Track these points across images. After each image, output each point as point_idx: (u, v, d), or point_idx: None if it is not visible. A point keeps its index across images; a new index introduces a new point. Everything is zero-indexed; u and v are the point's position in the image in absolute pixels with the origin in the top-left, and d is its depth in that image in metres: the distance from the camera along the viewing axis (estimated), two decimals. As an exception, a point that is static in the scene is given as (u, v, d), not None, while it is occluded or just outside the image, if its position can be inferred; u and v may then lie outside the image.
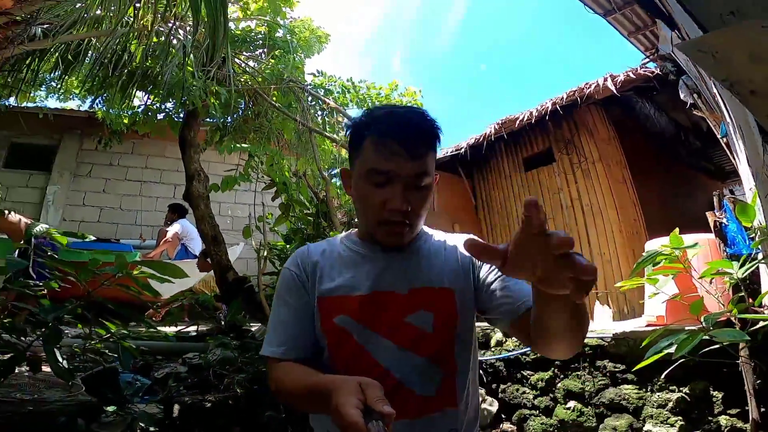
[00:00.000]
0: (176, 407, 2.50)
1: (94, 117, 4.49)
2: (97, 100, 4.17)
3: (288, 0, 3.91)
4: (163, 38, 2.86)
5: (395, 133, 0.80)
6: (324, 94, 3.71)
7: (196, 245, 5.16)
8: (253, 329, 3.26)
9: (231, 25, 3.99)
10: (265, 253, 3.03)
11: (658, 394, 2.26)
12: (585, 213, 4.74)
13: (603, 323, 3.93)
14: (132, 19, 2.67)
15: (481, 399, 3.05)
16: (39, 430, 1.80)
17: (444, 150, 5.66)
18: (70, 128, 6.22)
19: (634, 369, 2.02)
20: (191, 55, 2.90)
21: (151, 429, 2.24)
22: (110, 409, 2.18)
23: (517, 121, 4.81)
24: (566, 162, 4.90)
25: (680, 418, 2.14)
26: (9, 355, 1.78)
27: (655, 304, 2.46)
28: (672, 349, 1.54)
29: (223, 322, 3.44)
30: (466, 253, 0.80)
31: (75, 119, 5.98)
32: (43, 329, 1.75)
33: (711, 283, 1.96)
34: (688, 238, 2.00)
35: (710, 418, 2.05)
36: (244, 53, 4.08)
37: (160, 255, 4.96)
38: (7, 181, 5.70)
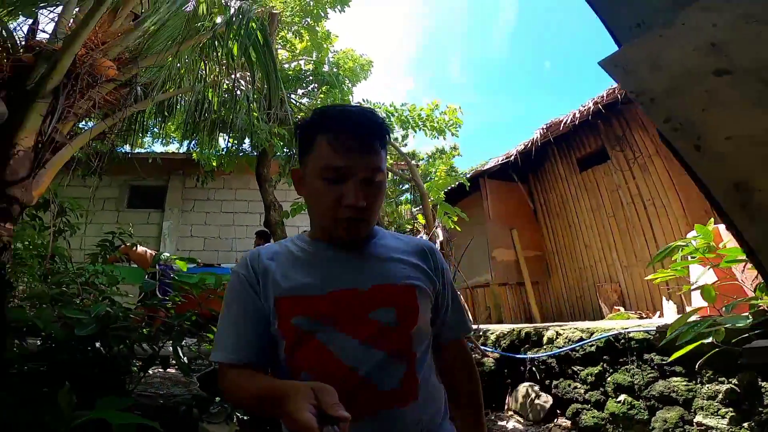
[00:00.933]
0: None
1: (192, 158, 5.33)
2: (191, 144, 4.94)
3: (328, 38, 4.40)
4: (230, 88, 3.43)
5: (349, 130, 0.80)
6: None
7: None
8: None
9: (284, 65, 4.58)
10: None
11: (708, 385, 2.22)
12: (647, 209, 4.52)
13: (668, 318, 3.75)
14: (205, 72, 3.26)
15: (535, 395, 3.12)
16: (167, 418, 2.30)
17: (495, 159, 5.72)
18: (174, 169, 7.34)
19: (671, 358, 2.05)
20: (254, 103, 3.43)
21: (245, 417, 2.73)
22: (217, 400, 2.70)
23: (562, 124, 4.77)
24: (621, 159, 4.73)
25: (731, 409, 2.10)
26: (147, 357, 2.36)
27: (697, 296, 2.41)
28: (688, 338, 1.61)
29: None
30: (430, 258, 0.91)
31: (177, 161, 7.01)
32: (172, 333, 2.29)
33: (743, 271, 1.94)
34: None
35: (760, 409, 1.99)
36: (298, 91, 4.63)
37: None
38: (131, 219, 6.92)
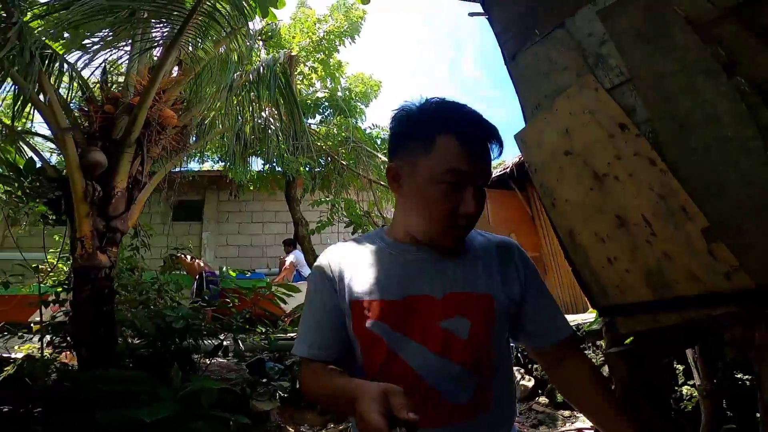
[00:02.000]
0: (298, 382, 3.64)
1: (225, 175, 6.01)
2: (226, 162, 5.60)
3: (340, 68, 5.04)
4: (262, 124, 4.08)
5: (479, 133, 0.76)
6: (380, 144, 4.73)
7: (306, 270, 6.56)
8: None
9: (303, 92, 5.22)
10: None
11: None
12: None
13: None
14: (240, 111, 3.91)
15: (520, 377, 3.67)
16: (227, 396, 2.87)
17: (494, 168, 6.24)
18: (210, 185, 8.18)
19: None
20: (282, 135, 4.08)
21: (285, 395, 3.39)
22: (263, 382, 3.36)
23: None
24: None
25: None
26: (213, 347, 3.07)
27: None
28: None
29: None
30: (512, 260, 0.83)
31: (212, 178, 7.84)
32: (232, 328, 2.97)
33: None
34: None
35: (676, 388, 2.49)
36: (316, 116, 5.28)
37: (282, 279, 6.41)
38: (175, 231, 7.77)
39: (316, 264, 0.87)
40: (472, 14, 2.27)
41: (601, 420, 0.77)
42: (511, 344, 0.90)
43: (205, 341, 3.20)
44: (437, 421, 0.73)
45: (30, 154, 3.27)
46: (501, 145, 0.78)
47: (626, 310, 1.29)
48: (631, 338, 1.38)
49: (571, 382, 0.81)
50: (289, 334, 4.56)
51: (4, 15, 1.90)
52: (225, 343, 3.31)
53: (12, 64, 1.98)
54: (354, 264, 0.82)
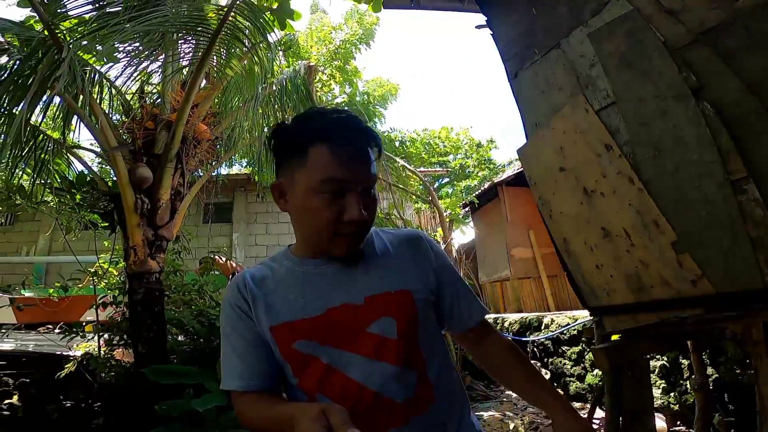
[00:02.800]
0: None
1: (252, 178, 6.29)
2: (253, 166, 5.89)
3: (357, 73, 5.25)
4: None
5: (352, 139, 0.74)
6: (398, 146, 4.93)
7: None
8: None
9: (323, 98, 5.45)
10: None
11: (651, 362, 2.85)
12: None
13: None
14: (265, 121, 4.18)
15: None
16: None
17: (511, 168, 6.34)
18: (238, 187, 8.57)
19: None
20: None
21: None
22: None
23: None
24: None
25: (663, 381, 2.73)
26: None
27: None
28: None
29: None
30: (421, 251, 0.84)
31: (240, 180, 8.20)
32: None
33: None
34: None
35: (681, 381, 2.61)
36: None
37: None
38: (206, 232, 8.21)
39: (226, 296, 0.84)
40: (478, 27, 2.44)
41: (520, 389, 0.86)
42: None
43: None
44: (393, 424, 0.74)
45: (79, 166, 3.64)
46: (378, 143, 0.78)
47: (612, 310, 1.46)
48: (617, 335, 1.55)
49: (491, 359, 0.89)
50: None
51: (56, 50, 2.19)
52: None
53: (66, 91, 2.29)
54: (265, 289, 0.81)
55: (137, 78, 2.98)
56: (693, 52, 1.33)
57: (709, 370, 2.44)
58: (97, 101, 2.67)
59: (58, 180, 3.54)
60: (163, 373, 2.52)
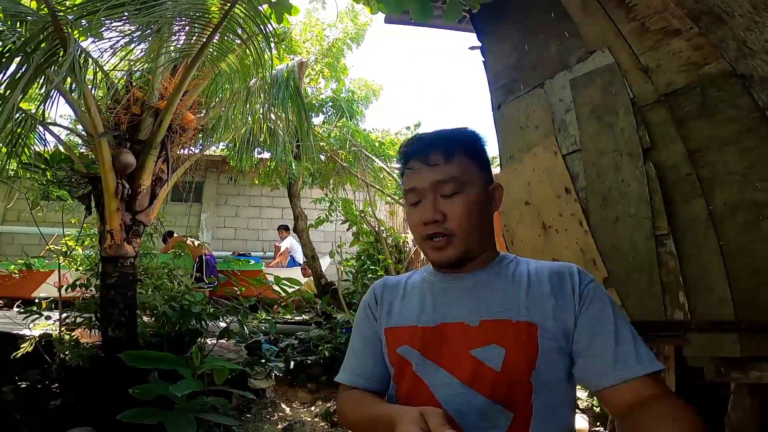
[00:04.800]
0: (292, 363, 4.14)
1: (226, 160, 6.36)
2: (230, 150, 5.94)
3: (345, 70, 5.43)
4: (271, 127, 4.46)
5: (411, 150, 0.82)
6: (378, 147, 5.17)
7: (299, 256, 7.04)
8: (338, 317, 4.83)
9: (308, 91, 5.60)
10: (342, 267, 4.62)
11: None
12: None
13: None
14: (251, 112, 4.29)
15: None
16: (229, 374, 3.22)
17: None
18: (211, 168, 8.55)
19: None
20: (287, 135, 4.45)
21: (280, 375, 3.89)
22: (263, 362, 3.83)
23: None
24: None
25: None
26: (221, 330, 3.54)
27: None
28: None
29: (319, 312, 5.12)
30: (566, 284, 0.76)
31: (214, 161, 8.21)
32: (239, 312, 3.43)
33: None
34: None
35: None
36: (320, 116, 5.69)
37: (276, 264, 6.90)
38: (175, 211, 8.16)
39: (365, 295, 0.93)
40: (472, 48, 2.67)
41: None
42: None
43: (208, 323, 3.67)
44: None
45: (53, 143, 3.65)
46: (446, 147, 0.80)
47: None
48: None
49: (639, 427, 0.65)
50: (285, 317, 5.07)
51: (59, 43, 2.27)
52: (230, 326, 3.77)
53: (62, 80, 2.37)
54: (394, 293, 0.87)
55: (129, 63, 3.04)
56: (653, 112, 1.58)
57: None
58: (88, 86, 2.73)
59: (27, 155, 3.54)
60: (139, 358, 2.68)
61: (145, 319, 3.60)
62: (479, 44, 2.49)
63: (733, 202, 1.35)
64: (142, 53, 2.96)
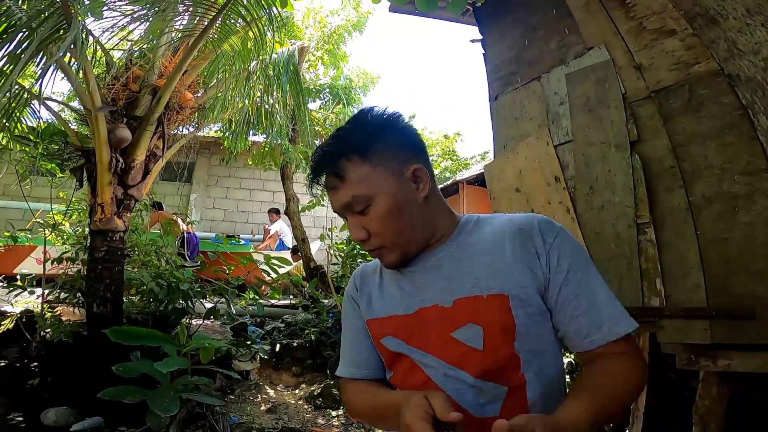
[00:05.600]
0: (277, 346, 4.20)
1: (219, 141, 6.33)
2: (224, 132, 5.94)
3: (344, 58, 5.46)
4: (269, 107, 4.49)
5: (311, 178, 0.80)
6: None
7: (289, 240, 7.09)
8: (324, 302, 4.88)
9: (306, 76, 5.62)
10: (332, 251, 4.68)
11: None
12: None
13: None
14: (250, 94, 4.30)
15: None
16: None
17: (473, 168, 6.95)
18: (203, 149, 8.49)
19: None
20: (284, 120, 4.49)
21: (265, 357, 3.95)
22: (248, 343, 3.87)
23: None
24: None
25: (568, 375, 3.29)
26: (208, 310, 3.58)
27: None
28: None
29: (306, 296, 5.18)
30: (531, 240, 0.74)
31: (206, 142, 8.16)
32: (227, 293, 3.46)
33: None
34: None
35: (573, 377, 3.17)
36: (317, 101, 5.73)
37: (266, 247, 6.94)
38: (165, 190, 8.11)
39: (347, 286, 0.94)
40: (473, 41, 2.72)
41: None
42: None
43: (194, 303, 3.69)
44: None
45: (45, 117, 3.64)
46: (333, 169, 0.76)
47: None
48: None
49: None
50: (272, 301, 5.12)
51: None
52: (218, 306, 3.80)
53: (63, 55, 2.38)
54: (372, 282, 0.87)
55: (130, 42, 3.04)
56: (643, 107, 1.68)
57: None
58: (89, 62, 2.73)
59: (19, 128, 3.51)
60: (124, 334, 2.67)
61: (131, 297, 3.60)
62: (480, 38, 2.56)
63: (711, 194, 1.45)
64: (144, 33, 2.95)
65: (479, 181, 7.10)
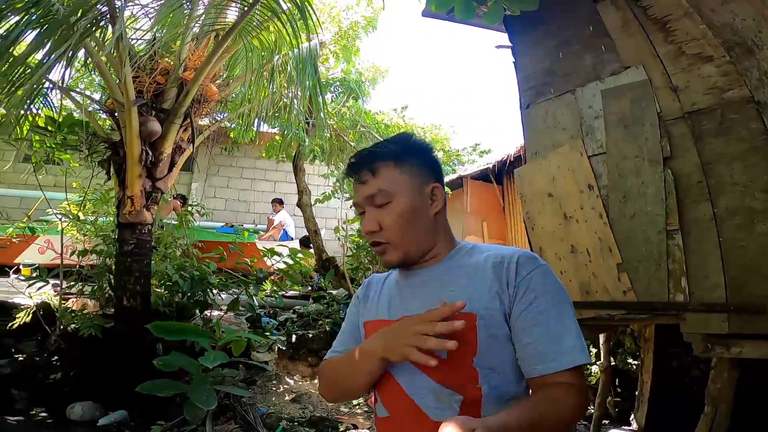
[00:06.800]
0: (293, 337, 4.37)
1: (221, 129, 6.36)
2: (232, 122, 5.98)
3: (357, 51, 5.59)
4: (288, 100, 4.57)
5: (348, 172, 0.96)
6: (383, 129, 5.41)
7: (292, 230, 7.26)
8: (334, 292, 5.06)
9: (320, 69, 5.74)
10: (347, 243, 4.88)
11: None
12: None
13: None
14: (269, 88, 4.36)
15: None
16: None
17: (481, 162, 7.27)
18: (205, 138, 8.51)
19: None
20: (301, 114, 4.60)
21: (283, 348, 4.11)
22: (267, 334, 4.01)
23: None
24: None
25: None
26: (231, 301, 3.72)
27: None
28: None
29: (318, 287, 5.35)
30: (505, 272, 0.84)
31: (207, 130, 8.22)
32: (250, 283, 3.62)
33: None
34: None
35: (588, 366, 3.39)
36: (327, 94, 5.85)
37: (269, 237, 7.08)
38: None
39: (358, 290, 1.07)
40: (499, 47, 2.88)
41: None
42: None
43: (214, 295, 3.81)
44: None
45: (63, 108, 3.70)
46: (369, 165, 0.91)
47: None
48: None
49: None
50: (281, 292, 5.25)
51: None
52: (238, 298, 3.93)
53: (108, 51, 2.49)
54: (375, 290, 1.01)
55: (159, 36, 3.13)
56: (676, 126, 1.87)
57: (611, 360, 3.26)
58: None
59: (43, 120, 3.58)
60: (164, 329, 2.82)
61: (156, 290, 3.68)
62: (509, 44, 2.70)
63: (734, 207, 1.68)
64: (174, 25, 3.05)
65: (483, 176, 7.37)
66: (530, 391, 0.83)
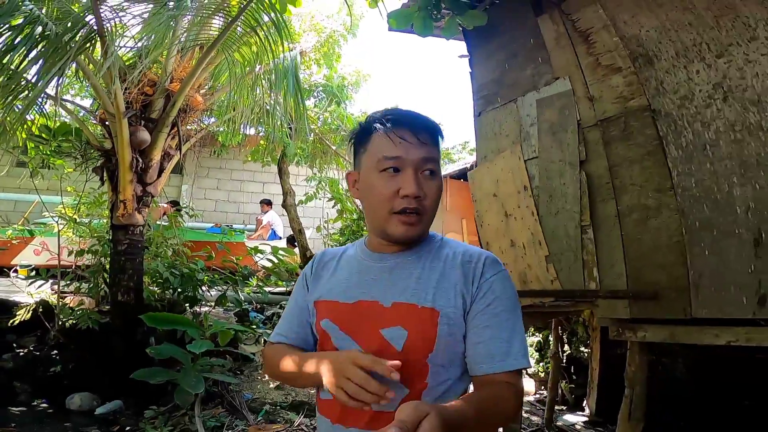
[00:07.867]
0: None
1: (210, 133, 6.68)
2: (218, 126, 6.35)
3: (338, 57, 5.93)
4: (270, 107, 4.90)
5: (403, 122, 0.88)
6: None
7: (280, 230, 7.59)
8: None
9: (302, 75, 6.06)
10: (329, 241, 5.25)
11: (530, 339, 3.89)
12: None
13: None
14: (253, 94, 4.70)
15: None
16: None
17: (458, 164, 7.56)
18: (191, 144, 8.85)
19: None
20: (284, 117, 4.94)
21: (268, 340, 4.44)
22: (253, 327, 4.35)
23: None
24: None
25: (538, 353, 3.88)
26: (218, 297, 4.06)
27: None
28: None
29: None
30: (471, 273, 0.88)
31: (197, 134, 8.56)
32: (236, 280, 3.96)
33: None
34: None
35: (548, 355, 3.73)
36: (310, 99, 6.18)
37: (258, 237, 7.41)
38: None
39: (306, 266, 1.05)
40: (461, 56, 3.21)
41: None
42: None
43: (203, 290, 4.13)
44: (357, 424, 0.83)
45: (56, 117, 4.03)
46: (434, 131, 0.90)
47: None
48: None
49: None
50: (268, 288, 5.58)
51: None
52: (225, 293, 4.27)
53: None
54: (328, 267, 0.99)
55: (145, 49, 3.45)
56: (591, 132, 2.21)
57: (566, 348, 3.62)
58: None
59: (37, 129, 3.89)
60: (158, 320, 3.15)
61: (149, 287, 3.99)
62: (468, 55, 3.02)
63: (632, 205, 2.03)
64: (160, 41, 3.37)
65: (463, 176, 7.76)
66: (471, 387, 0.88)
